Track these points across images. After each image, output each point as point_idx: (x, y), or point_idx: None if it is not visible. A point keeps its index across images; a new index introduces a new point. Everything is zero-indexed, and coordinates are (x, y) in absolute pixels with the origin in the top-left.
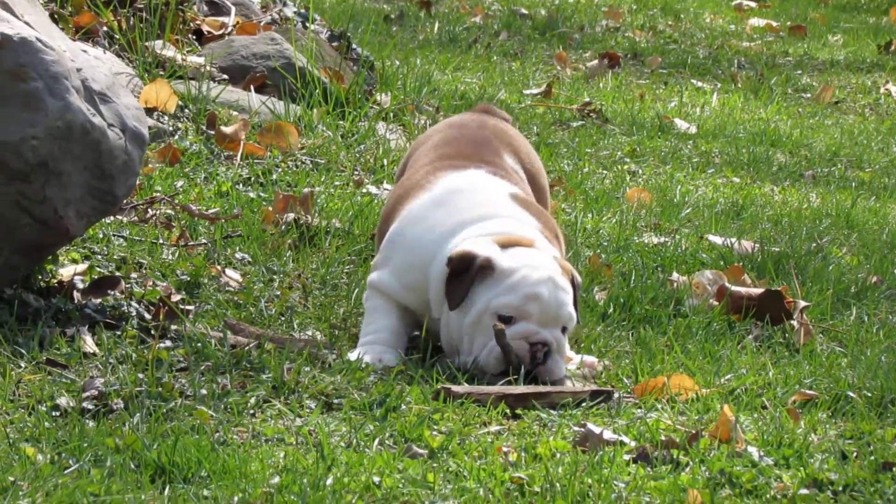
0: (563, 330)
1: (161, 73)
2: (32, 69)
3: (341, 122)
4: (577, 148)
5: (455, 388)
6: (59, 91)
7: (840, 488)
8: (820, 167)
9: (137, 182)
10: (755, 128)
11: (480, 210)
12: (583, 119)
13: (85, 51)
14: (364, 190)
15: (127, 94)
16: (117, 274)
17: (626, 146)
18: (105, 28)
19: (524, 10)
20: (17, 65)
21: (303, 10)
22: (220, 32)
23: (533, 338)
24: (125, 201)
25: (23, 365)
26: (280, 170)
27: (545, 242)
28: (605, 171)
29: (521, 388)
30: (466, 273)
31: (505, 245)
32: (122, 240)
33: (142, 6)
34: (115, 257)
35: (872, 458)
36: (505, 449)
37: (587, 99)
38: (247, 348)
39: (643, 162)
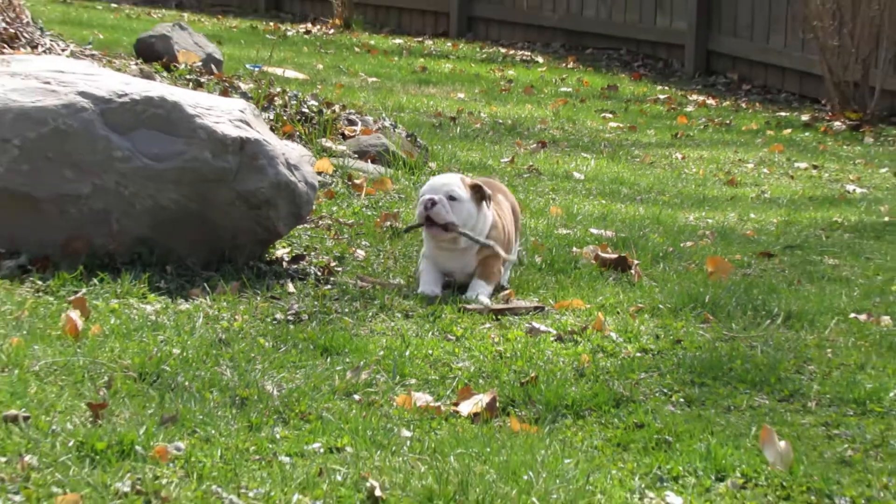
0: (450, 198)
1: (325, 154)
2: (261, 154)
3: (412, 177)
4: (527, 188)
5: (468, 306)
6: (275, 164)
7: (656, 352)
8: (644, 195)
9: (312, 208)
10: (612, 176)
11: None
12: (529, 173)
13: (286, 143)
14: None
15: (307, 164)
16: (304, 252)
17: (550, 186)
18: (297, 133)
19: (500, 120)
20: (254, 153)
21: (393, 123)
22: (353, 134)
23: (422, 199)
24: (307, 218)
25: (258, 298)
26: (382, 201)
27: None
28: (540, 198)
29: (500, 306)
30: None
31: None
32: (306, 236)
33: (315, 123)
34: (303, 245)
35: (671, 336)
36: (492, 336)
37: (531, 163)
38: (367, 288)
39: (558, 193)
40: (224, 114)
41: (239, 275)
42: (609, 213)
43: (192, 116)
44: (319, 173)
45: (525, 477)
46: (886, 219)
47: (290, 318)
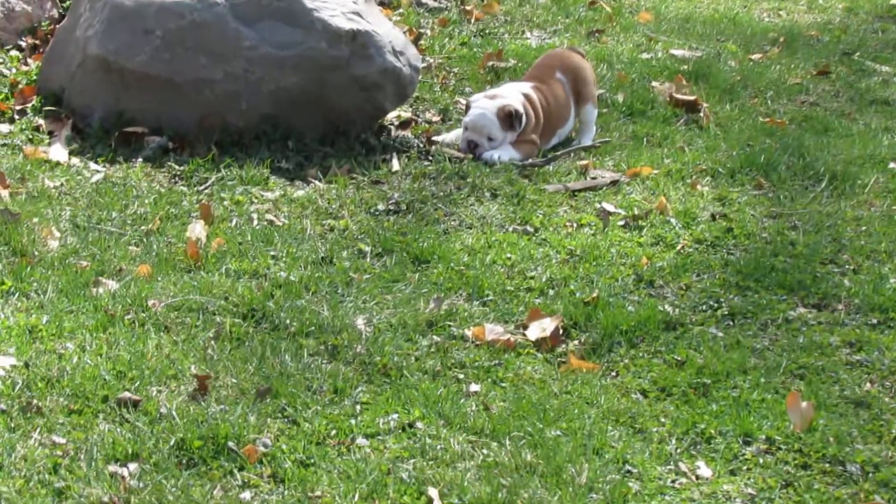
0: (489, 139)
1: None
2: (370, 44)
3: None
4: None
5: (547, 186)
6: (382, 53)
7: (709, 243)
8: None
9: (416, 87)
10: None
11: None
12: None
13: (393, 30)
14: (527, 36)
15: (412, 48)
16: (411, 117)
17: None
18: None
19: None
20: (364, 43)
21: None
22: None
23: (465, 136)
24: (411, 97)
25: (364, 181)
26: (489, 27)
27: (515, 98)
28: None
29: (579, 184)
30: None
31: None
32: (408, 112)
33: None
34: (404, 116)
35: (723, 224)
36: (567, 224)
37: None
38: (463, 164)
39: None
40: (339, 6)
41: (350, 150)
42: (692, 16)
43: (311, 10)
44: None
45: (570, 469)
46: None
47: (390, 207)
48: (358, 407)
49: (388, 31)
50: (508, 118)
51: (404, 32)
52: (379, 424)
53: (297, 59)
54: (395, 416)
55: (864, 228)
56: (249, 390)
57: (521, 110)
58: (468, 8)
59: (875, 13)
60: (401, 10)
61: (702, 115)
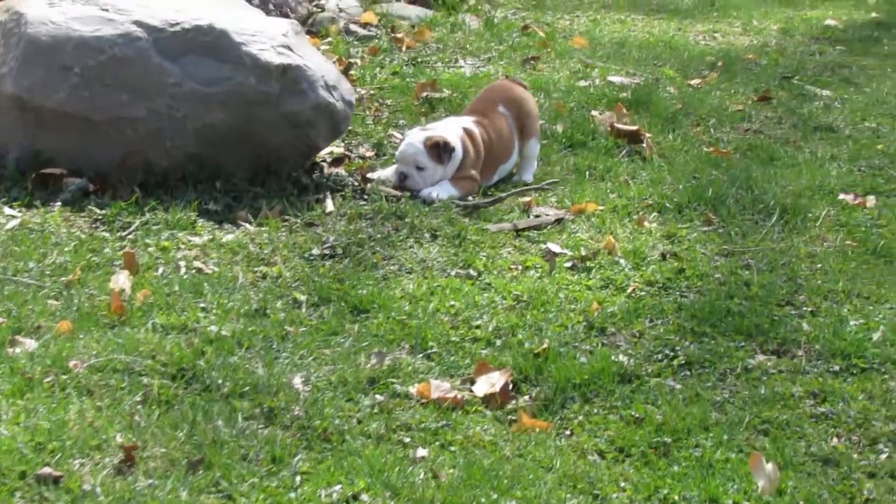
0: (418, 168)
1: (372, 4)
2: (302, 79)
3: (449, 18)
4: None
5: (489, 226)
6: (314, 88)
7: (661, 285)
8: None
9: (350, 123)
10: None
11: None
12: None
13: (325, 63)
14: (460, 64)
15: (345, 82)
16: (344, 153)
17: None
18: None
19: None
20: (295, 78)
21: None
22: None
23: (396, 169)
24: (344, 132)
25: (297, 223)
26: (420, 56)
27: (451, 132)
28: (566, 19)
29: (522, 222)
30: None
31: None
32: (340, 147)
33: None
34: (337, 151)
35: (675, 264)
36: (512, 266)
37: None
38: (400, 203)
39: (584, 8)
40: (268, 40)
41: (282, 191)
42: (627, 40)
43: (239, 44)
44: (365, 25)
45: None
46: (874, 14)
47: (325, 251)
48: (298, 478)
49: (319, 64)
50: (435, 148)
51: (334, 62)
52: (321, 497)
53: (224, 94)
54: (338, 487)
55: (819, 266)
56: (180, 461)
57: (451, 142)
58: (399, 35)
59: (811, 34)
60: (329, 39)
61: (644, 145)
